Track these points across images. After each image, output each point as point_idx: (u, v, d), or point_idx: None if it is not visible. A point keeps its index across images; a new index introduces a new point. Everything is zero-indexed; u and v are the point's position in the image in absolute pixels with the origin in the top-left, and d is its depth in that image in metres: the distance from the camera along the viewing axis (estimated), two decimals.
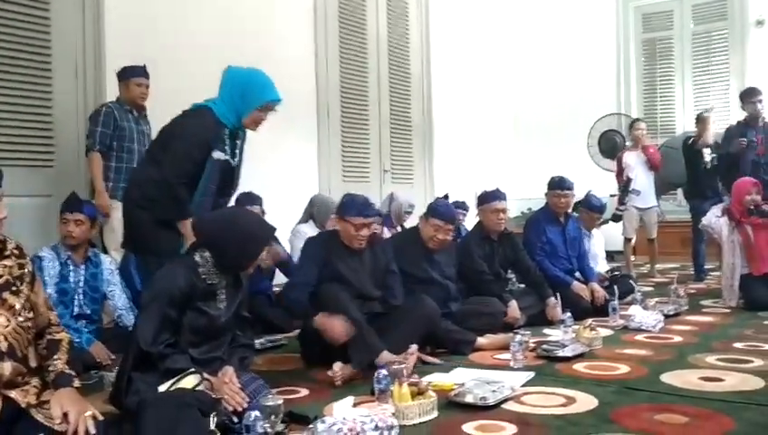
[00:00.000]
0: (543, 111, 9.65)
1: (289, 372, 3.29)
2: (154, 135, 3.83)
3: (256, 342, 3.79)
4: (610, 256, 7.02)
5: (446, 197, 3.99)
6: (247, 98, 3.02)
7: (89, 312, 3.60)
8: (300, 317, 3.41)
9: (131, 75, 4.45)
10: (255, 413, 2.11)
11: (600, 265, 5.73)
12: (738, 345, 3.60)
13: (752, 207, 4.89)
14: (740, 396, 2.66)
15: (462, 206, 6.20)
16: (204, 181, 2.99)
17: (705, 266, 6.57)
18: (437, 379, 2.96)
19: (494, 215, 4.38)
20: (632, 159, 6.79)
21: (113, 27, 4.90)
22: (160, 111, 3.62)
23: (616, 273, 5.73)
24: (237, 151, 3.18)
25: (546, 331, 4.08)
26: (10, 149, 4.36)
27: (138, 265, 3.49)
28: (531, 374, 3.06)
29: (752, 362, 3.22)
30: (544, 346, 3.48)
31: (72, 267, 3.57)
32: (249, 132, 3.30)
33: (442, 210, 3.85)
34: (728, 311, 4.78)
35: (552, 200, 4.87)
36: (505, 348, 3.42)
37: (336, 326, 3.07)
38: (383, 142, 7.89)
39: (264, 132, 5.84)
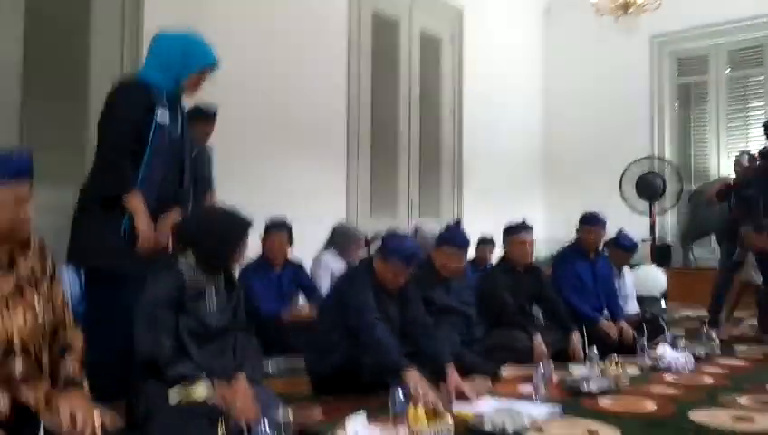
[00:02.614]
0: (575, 153, 9.54)
1: (304, 393, 3.22)
2: None
3: (271, 367, 3.79)
4: (641, 300, 6.82)
5: (457, 223, 3.92)
6: (187, 61, 2.82)
7: None
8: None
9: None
10: (265, 429, 2.06)
11: (630, 306, 5.59)
12: None
13: None
14: None
15: (490, 241, 6.14)
16: (148, 152, 2.72)
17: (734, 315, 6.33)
18: (460, 408, 2.87)
19: (520, 246, 4.32)
20: None
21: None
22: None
23: (646, 315, 5.57)
24: (180, 125, 2.91)
25: (571, 366, 3.96)
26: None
27: (84, 282, 3.07)
28: (555, 408, 2.95)
29: None
30: (569, 380, 3.37)
31: None
32: None
33: (455, 237, 3.78)
34: (762, 357, 4.60)
35: (584, 236, 4.79)
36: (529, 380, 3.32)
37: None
38: (412, 175, 7.87)
39: (293, 159, 5.96)
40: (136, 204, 2.71)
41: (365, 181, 7.22)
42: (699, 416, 2.85)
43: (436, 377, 3.15)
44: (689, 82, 9.33)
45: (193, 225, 2.56)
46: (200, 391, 2.23)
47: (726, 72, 9.03)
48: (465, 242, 3.75)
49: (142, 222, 2.70)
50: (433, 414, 2.42)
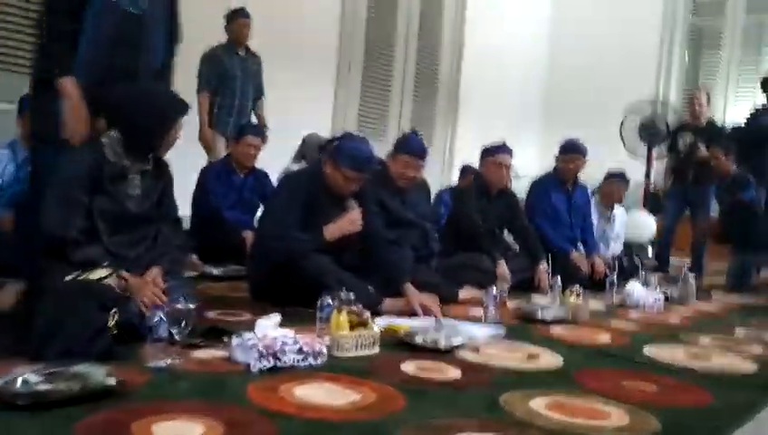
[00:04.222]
0: (578, 96, 9.13)
1: (240, 298, 3.04)
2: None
3: (219, 270, 3.63)
4: (628, 246, 6.56)
5: (414, 132, 3.66)
6: None
7: None
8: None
9: (237, 17, 4.73)
10: (160, 314, 1.88)
11: (616, 248, 5.37)
12: (740, 332, 3.26)
13: None
14: (726, 375, 2.36)
15: (472, 169, 5.91)
16: (90, 27, 2.34)
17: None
18: (395, 322, 2.69)
19: (497, 169, 4.09)
20: None
21: None
22: None
23: (623, 255, 5.33)
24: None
25: (534, 296, 3.78)
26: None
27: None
28: (501, 331, 2.76)
29: (749, 348, 2.89)
30: (525, 307, 3.19)
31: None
32: None
33: (412, 144, 3.51)
34: (737, 305, 4.41)
35: (562, 165, 4.55)
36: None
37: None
38: (405, 102, 7.62)
39: (279, 72, 5.69)
40: (67, 91, 2.33)
41: (354, 104, 6.99)
42: (653, 351, 2.66)
43: (390, 291, 2.99)
44: (703, 26, 8.90)
45: (121, 99, 2.32)
46: (100, 276, 2.04)
47: (743, 16, 8.60)
48: (421, 150, 3.49)
49: (70, 115, 2.33)
50: (358, 323, 2.24)
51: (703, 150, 5.67)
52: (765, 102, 5.78)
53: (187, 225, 4.29)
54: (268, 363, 1.91)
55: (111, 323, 1.87)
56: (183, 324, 1.92)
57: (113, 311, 1.89)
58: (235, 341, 1.97)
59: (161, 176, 2.43)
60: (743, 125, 5.78)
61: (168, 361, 1.88)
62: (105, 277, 2.04)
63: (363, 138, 3.09)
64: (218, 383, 1.79)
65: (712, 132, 5.84)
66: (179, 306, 1.92)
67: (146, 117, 2.26)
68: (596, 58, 9.04)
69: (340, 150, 2.95)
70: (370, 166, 3.01)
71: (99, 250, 2.17)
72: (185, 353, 1.96)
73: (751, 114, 5.84)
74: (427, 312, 2.86)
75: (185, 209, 4.29)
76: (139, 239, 2.32)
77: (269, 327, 2.02)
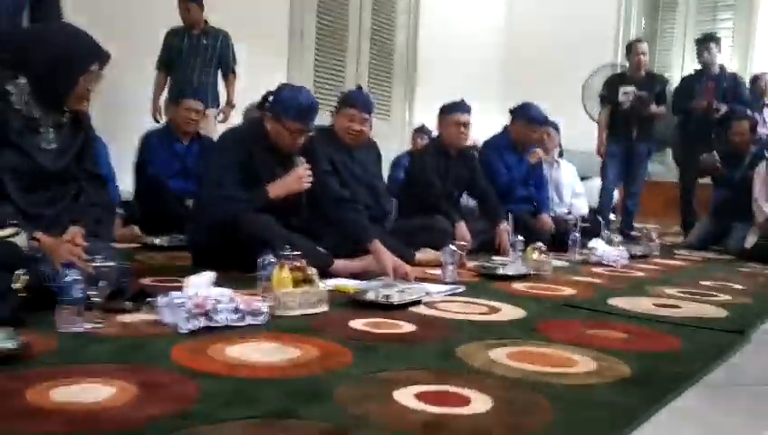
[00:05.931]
0: (538, 64, 8.98)
1: (181, 267, 2.82)
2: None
3: (161, 239, 3.42)
4: (591, 212, 6.47)
5: (359, 88, 3.50)
6: None
7: None
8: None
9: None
10: (73, 273, 1.66)
11: (581, 205, 5.23)
12: (706, 283, 3.16)
13: None
14: (695, 321, 2.23)
15: (424, 129, 5.77)
16: None
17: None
18: (344, 283, 2.51)
19: (455, 128, 3.93)
20: None
21: None
22: None
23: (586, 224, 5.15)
24: None
25: (495, 258, 3.63)
26: None
27: None
28: (459, 288, 2.61)
29: (717, 296, 2.79)
30: (484, 264, 3.04)
31: None
32: None
33: (355, 97, 3.32)
34: (701, 259, 4.34)
35: (526, 132, 4.38)
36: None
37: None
38: (360, 72, 7.40)
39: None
40: None
41: (308, 76, 6.75)
42: (619, 302, 2.53)
43: (342, 253, 2.81)
44: None
45: (28, 40, 2.07)
46: (3, 235, 1.81)
47: None
48: (364, 102, 3.29)
49: None
50: (303, 280, 2.06)
51: (653, 107, 5.44)
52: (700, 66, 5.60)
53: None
54: (199, 323, 1.72)
55: (18, 285, 1.66)
56: (101, 284, 1.72)
57: (20, 272, 1.67)
58: (161, 301, 1.77)
59: (80, 130, 2.19)
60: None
61: (86, 325, 1.68)
62: (9, 236, 1.80)
63: (301, 86, 2.89)
64: (139, 346, 1.58)
65: (658, 85, 5.59)
66: (96, 264, 1.71)
67: (50, 61, 2.00)
68: (554, 26, 8.93)
69: (279, 102, 2.74)
70: (314, 114, 2.80)
71: (7, 209, 1.94)
72: (107, 318, 1.76)
73: (680, 87, 5.70)
74: (401, 274, 2.66)
75: None
76: (56, 198, 2.09)
77: (201, 285, 1.82)
